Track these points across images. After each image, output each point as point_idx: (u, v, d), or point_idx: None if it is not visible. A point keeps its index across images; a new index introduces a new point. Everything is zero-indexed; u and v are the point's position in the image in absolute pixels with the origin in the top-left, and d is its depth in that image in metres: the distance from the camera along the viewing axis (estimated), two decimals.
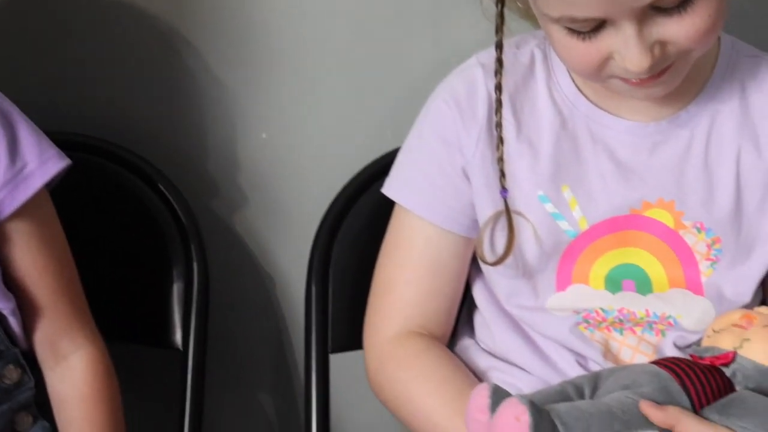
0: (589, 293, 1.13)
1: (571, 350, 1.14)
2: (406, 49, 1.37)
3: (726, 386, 0.99)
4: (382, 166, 1.31)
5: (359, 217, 1.33)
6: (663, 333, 1.13)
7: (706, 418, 0.98)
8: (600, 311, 1.13)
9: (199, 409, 1.28)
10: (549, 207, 1.13)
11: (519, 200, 1.14)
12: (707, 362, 1.01)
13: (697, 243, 1.12)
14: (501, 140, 1.12)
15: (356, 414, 1.46)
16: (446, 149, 1.15)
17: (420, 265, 1.17)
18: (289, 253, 1.42)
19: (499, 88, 1.12)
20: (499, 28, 1.09)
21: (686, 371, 0.99)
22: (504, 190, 1.12)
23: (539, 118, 1.14)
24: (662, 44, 1.02)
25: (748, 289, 1.12)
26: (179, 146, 1.39)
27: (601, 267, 1.13)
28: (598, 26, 1.01)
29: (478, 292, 1.20)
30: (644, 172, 1.12)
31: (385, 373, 1.17)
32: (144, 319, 1.32)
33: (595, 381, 1.02)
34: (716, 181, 1.12)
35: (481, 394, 0.99)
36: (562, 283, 1.14)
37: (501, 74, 1.11)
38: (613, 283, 1.13)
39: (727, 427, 0.97)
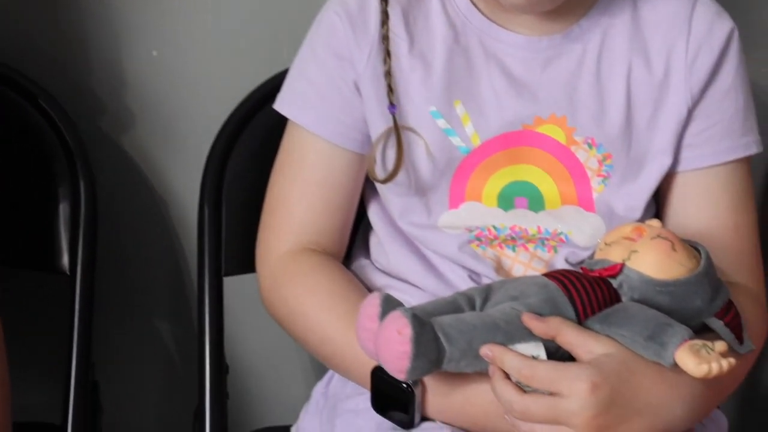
0: (481, 210, 1.12)
1: (463, 267, 1.12)
2: None
3: (612, 297, 0.99)
4: (277, 85, 1.26)
5: (253, 138, 1.29)
6: (555, 249, 1.12)
7: (589, 328, 0.98)
8: (492, 229, 1.12)
9: (87, 334, 1.25)
10: (441, 123, 1.11)
11: (411, 116, 1.11)
12: (596, 274, 1.01)
13: (588, 159, 1.11)
14: (389, 54, 1.10)
15: (251, 337, 1.44)
16: (338, 63, 1.12)
17: (312, 180, 1.14)
18: (183, 174, 1.39)
19: (384, 0, 1.10)
20: None
21: (574, 283, 0.99)
22: (392, 105, 1.10)
23: (432, 32, 1.11)
24: None
25: (638, 204, 1.12)
26: (64, 64, 1.34)
27: (494, 184, 1.12)
28: None
29: (373, 212, 1.18)
30: (537, 88, 1.10)
31: (278, 289, 1.14)
32: (30, 242, 1.28)
33: (486, 292, 1.02)
34: (607, 96, 1.11)
35: (372, 303, 0.99)
36: (455, 201, 1.12)
37: None
38: (506, 200, 1.12)
39: (608, 336, 0.97)
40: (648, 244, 1.00)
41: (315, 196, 1.14)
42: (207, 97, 1.36)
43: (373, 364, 1.02)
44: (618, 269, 0.99)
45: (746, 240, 1.13)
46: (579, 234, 1.11)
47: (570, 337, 0.97)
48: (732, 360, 0.94)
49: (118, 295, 1.41)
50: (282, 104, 1.16)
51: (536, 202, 1.12)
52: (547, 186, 1.12)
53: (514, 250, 1.12)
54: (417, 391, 1.02)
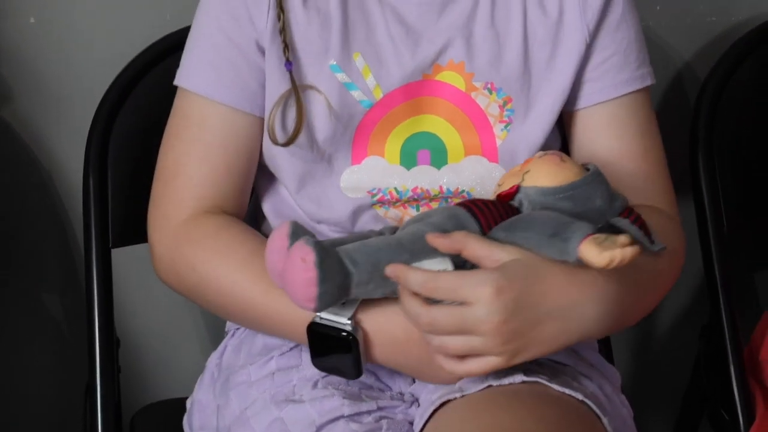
0: (384, 166, 1.09)
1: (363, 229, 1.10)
2: None
3: (514, 213, 1.00)
4: (160, 51, 1.25)
5: (138, 105, 1.24)
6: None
7: (493, 239, 0.97)
8: (394, 192, 1.09)
9: None
10: (341, 77, 1.07)
11: (310, 71, 1.07)
12: (497, 199, 1.01)
13: (489, 105, 1.09)
14: (282, 9, 1.05)
15: (142, 309, 1.41)
16: (236, 23, 1.07)
17: (213, 144, 1.08)
18: (67, 143, 1.34)
19: None
20: None
21: (476, 204, 0.99)
22: (288, 62, 1.06)
23: None
24: None
25: (539, 143, 1.10)
26: None
27: (397, 137, 1.09)
28: None
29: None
30: (434, 34, 1.08)
31: (182, 257, 1.08)
32: None
33: (397, 227, 1.02)
34: (504, 39, 1.09)
35: (283, 227, 0.98)
36: (358, 157, 1.09)
37: None
38: (409, 156, 1.09)
39: (513, 242, 0.96)
40: (538, 161, 1.01)
41: (218, 160, 1.09)
42: (89, 63, 1.32)
43: (306, 318, 0.99)
44: (515, 189, 1.00)
45: (655, 164, 1.13)
46: (482, 190, 1.09)
47: (475, 249, 0.95)
48: (636, 248, 0.92)
49: (4, 269, 1.37)
50: (181, 78, 1.10)
51: (439, 156, 1.09)
52: (450, 137, 1.09)
53: (417, 209, 1.10)
54: (359, 337, 0.99)
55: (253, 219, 1.16)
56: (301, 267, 0.93)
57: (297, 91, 1.06)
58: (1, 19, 1.29)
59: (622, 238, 0.92)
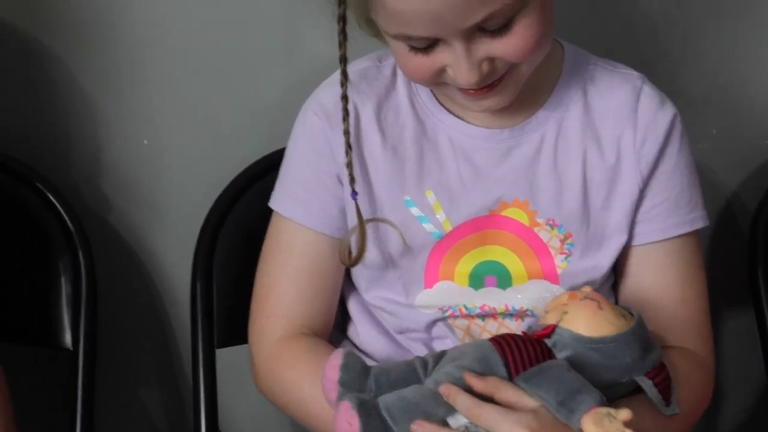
0: (454, 289, 1.17)
1: (432, 339, 1.18)
2: (272, 60, 1.40)
3: (546, 355, 1.04)
4: (258, 170, 1.36)
5: (239, 218, 1.35)
6: (522, 318, 1.18)
7: (517, 386, 1.03)
8: (463, 308, 1.17)
9: (90, 408, 1.29)
10: (415, 211, 1.16)
11: (386, 204, 1.17)
12: (533, 336, 1.06)
13: (551, 239, 1.17)
14: (349, 146, 1.14)
15: (243, 405, 1.47)
16: (319, 158, 1.18)
17: (300, 268, 1.19)
18: (173, 252, 1.43)
19: (345, 98, 1.14)
20: (342, 44, 1.11)
21: (509, 343, 1.04)
22: (354, 192, 1.15)
23: (402, 127, 1.17)
24: (490, 60, 1.06)
25: (598, 277, 1.17)
26: (67, 155, 1.40)
27: (465, 265, 1.17)
28: (432, 43, 1.06)
29: (350, 298, 1.23)
30: (500, 175, 1.16)
31: (274, 375, 1.18)
32: (34, 320, 1.32)
33: (439, 357, 1.08)
34: (565, 180, 1.16)
35: (336, 359, 1.06)
36: (430, 281, 1.17)
37: (346, 86, 1.13)
38: (477, 279, 1.17)
39: (532, 395, 1.02)
40: (577, 305, 1.06)
41: (304, 283, 1.19)
42: (194, 180, 1.42)
43: None
44: (551, 329, 1.05)
45: (694, 309, 1.19)
46: (543, 309, 1.15)
47: (507, 394, 1.02)
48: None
49: (112, 369, 1.44)
50: (274, 202, 1.21)
51: (504, 280, 1.17)
52: (513, 264, 1.17)
53: (483, 319, 1.18)
54: None
55: (341, 314, 1.25)
56: (349, 430, 1.02)
57: (361, 218, 1.15)
58: (120, 141, 1.41)
59: (624, 415, 0.98)
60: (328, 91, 1.19)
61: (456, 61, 1.06)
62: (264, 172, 1.36)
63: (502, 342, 1.05)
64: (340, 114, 1.15)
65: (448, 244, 1.17)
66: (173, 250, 1.44)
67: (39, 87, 1.38)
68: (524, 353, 1.04)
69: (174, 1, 1.37)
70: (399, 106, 1.18)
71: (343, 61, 1.11)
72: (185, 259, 1.35)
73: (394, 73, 1.19)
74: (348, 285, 1.23)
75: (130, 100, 1.40)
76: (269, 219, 1.24)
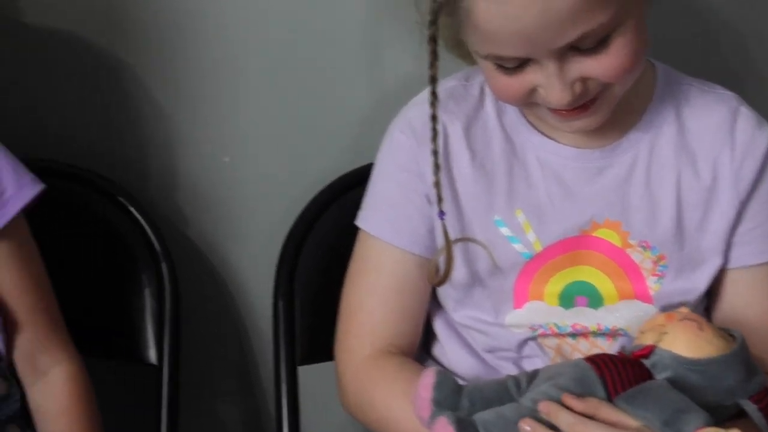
0: (544, 309, 1.16)
1: (522, 359, 1.18)
2: (354, 77, 1.40)
3: (644, 377, 1.03)
4: (341, 187, 1.36)
5: (321, 234, 1.35)
6: (614, 337, 1.17)
7: (617, 407, 1.02)
8: (554, 327, 1.17)
9: (174, 423, 1.30)
10: (505, 231, 1.16)
11: (476, 224, 1.16)
12: (630, 356, 1.05)
13: (643, 260, 1.16)
14: (437, 167, 1.14)
15: (324, 422, 1.47)
16: (408, 177, 1.18)
17: (388, 287, 1.19)
18: (255, 269, 1.44)
19: (434, 118, 1.13)
20: (432, 64, 1.11)
21: (606, 362, 1.03)
22: (441, 212, 1.15)
23: (491, 146, 1.17)
24: (583, 80, 1.06)
25: (692, 299, 1.16)
26: (146, 171, 1.41)
27: (555, 285, 1.16)
28: (522, 63, 1.05)
29: (436, 316, 1.23)
30: (591, 195, 1.15)
31: (363, 394, 1.18)
32: (119, 335, 1.34)
33: (532, 376, 1.07)
34: (658, 202, 1.15)
35: (428, 378, 1.06)
36: (519, 301, 1.17)
37: (435, 106, 1.13)
38: (567, 299, 1.16)
39: (633, 416, 1.01)
40: (677, 325, 1.05)
41: (392, 302, 1.19)
42: (275, 197, 1.42)
43: None
44: (650, 350, 1.04)
45: None
46: (637, 328, 1.14)
47: (609, 415, 1.01)
48: None
49: (194, 385, 1.44)
50: (362, 220, 1.22)
51: (595, 300, 1.16)
52: (605, 285, 1.16)
53: (574, 338, 1.17)
54: None
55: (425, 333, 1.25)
56: None
57: (448, 238, 1.15)
58: (200, 158, 1.42)
59: None
60: (416, 110, 1.19)
61: (548, 82, 1.05)
62: (346, 188, 1.36)
63: (599, 362, 1.04)
64: (428, 133, 1.15)
65: (537, 264, 1.16)
66: (254, 266, 1.44)
67: (116, 103, 1.39)
68: (623, 373, 1.03)
69: (254, 18, 1.38)
70: (487, 125, 1.18)
71: (433, 81, 1.11)
72: (267, 275, 1.36)
73: (481, 93, 1.19)
74: (434, 304, 1.23)
75: (210, 117, 1.41)
76: (351, 236, 1.24)
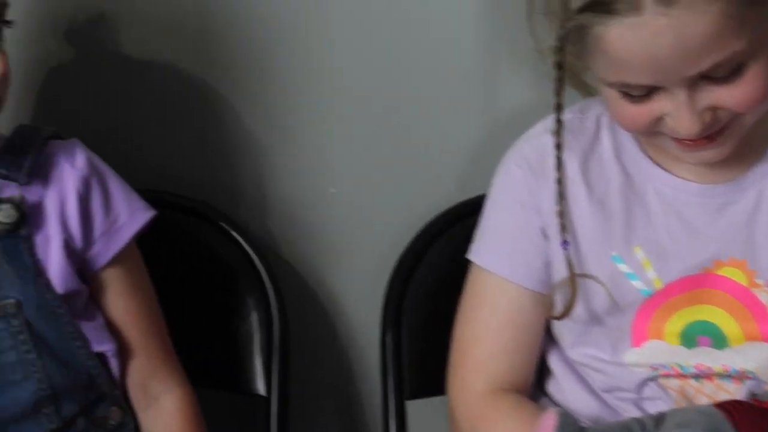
0: (665, 348, 1.13)
1: (643, 400, 1.14)
2: (465, 107, 1.39)
3: None
4: (450, 219, 1.35)
5: (429, 267, 1.34)
6: (742, 380, 1.13)
7: None
8: (677, 367, 1.13)
9: None
10: (623, 267, 1.13)
11: (593, 261, 1.14)
12: (766, 406, 1.02)
13: None
14: (561, 195, 1.13)
15: None
16: (524, 211, 1.16)
17: (503, 322, 1.17)
18: (361, 301, 1.43)
19: (558, 146, 1.12)
20: (558, 92, 1.10)
21: (740, 411, 1.00)
22: (565, 242, 1.13)
23: (608, 180, 1.15)
24: (713, 109, 1.03)
25: None
26: (256, 203, 1.41)
27: (676, 323, 1.13)
28: (650, 91, 1.03)
29: (551, 351, 1.21)
30: (714, 232, 1.12)
31: None
32: (227, 366, 1.33)
33: (657, 420, 1.04)
34: None
35: (549, 420, 1.04)
36: (638, 339, 1.14)
37: (560, 134, 1.12)
38: (689, 339, 1.13)
39: None
40: None
41: (507, 337, 1.17)
42: (382, 229, 1.41)
43: None
44: None
45: None
46: (766, 372, 1.11)
47: None
48: None
49: (300, 417, 1.43)
50: (476, 255, 1.20)
51: (719, 340, 1.13)
52: (729, 326, 1.12)
53: (698, 380, 1.13)
54: None
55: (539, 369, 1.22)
56: None
57: (572, 269, 1.13)
58: (306, 188, 1.41)
59: None
60: (531, 143, 1.17)
61: (677, 110, 1.03)
62: (455, 220, 1.35)
63: (732, 411, 1.01)
64: (543, 166, 1.14)
65: (657, 302, 1.13)
66: (361, 298, 1.43)
67: (214, 134, 1.40)
68: (757, 423, 0.99)
69: (360, 46, 1.38)
70: (604, 158, 1.16)
71: (559, 108, 1.10)
72: (374, 307, 1.35)
73: (597, 126, 1.17)
74: (548, 339, 1.21)
75: (317, 149, 1.41)
76: (461, 268, 1.22)
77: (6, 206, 1.10)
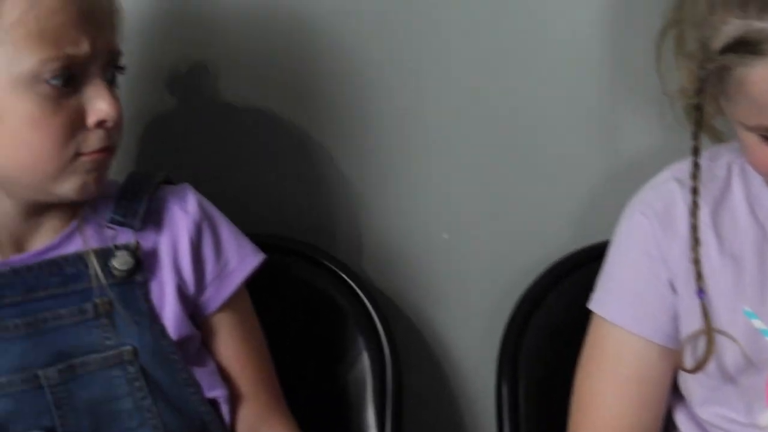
0: None
1: None
2: (583, 152, 1.36)
3: None
4: (565, 268, 1.32)
5: (546, 316, 1.31)
6: None
7: None
8: None
9: None
10: (756, 323, 1.09)
11: (724, 315, 1.10)
12: None
13: None
14: (697, 241, 1.09)
15: None
16: (650, 262, 1.12)
17: (628, 377, 1.13)
18: (475, 352, 1.40)
19: (694, 191, 1.10)
20: (696, 135, 1.07)
21: None
22: (701, 291, 1.09)
23: (741, 232, 1.11)
24: None
25: None
26: (368, 248, 1.40)
27: None
28: None
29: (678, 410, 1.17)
30: None
31: None
32: (338, 413, 1.31)
33: None
34: None
35: None
36: None
37: (697, 178, 1.09)
38: None
39: None
40: None
41: (632, 393, 1.13)
42: (496, 277, 1.38)
43: None
44: None
45: None
46: None
47: None
48: None
49: None
50: (599, 306, 1.16)
51: None
52: None
53: None
54: None
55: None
56: None
57: (708, 319, 1.08)
58: (416, 234, 1.40)
59: None
60: (657, 190, 1.14)
61: None
62: (573, 267, 1.31)
63: None
64: (670, 216, 1.11)
65: None
66: (475, 347, 1.40)
67: (326, 181, 1.39)
68: None
69: (480, 91, 1.35)
70: (736, 209, 1.12)
71: (696, 152, 1.07)
72: (488, 357, 1.32)
73: (728, 173, 1.13)
74: (675, 396, 1.16)
75: (431, 194, 1.39)
76: (580, 318, 1.19)
77: (122, 253, 1.10)
